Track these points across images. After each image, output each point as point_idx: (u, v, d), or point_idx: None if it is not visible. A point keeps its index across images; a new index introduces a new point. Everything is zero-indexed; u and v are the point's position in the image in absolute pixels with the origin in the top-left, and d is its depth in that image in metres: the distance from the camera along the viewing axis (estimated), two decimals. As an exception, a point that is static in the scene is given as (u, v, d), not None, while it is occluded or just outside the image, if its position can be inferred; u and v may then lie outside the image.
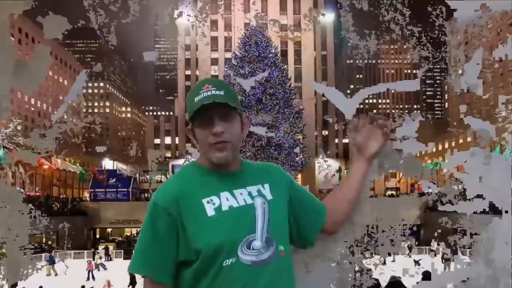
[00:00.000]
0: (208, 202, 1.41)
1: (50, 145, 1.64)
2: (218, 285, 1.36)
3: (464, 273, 1.70)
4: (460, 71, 1.61)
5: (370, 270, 1.70)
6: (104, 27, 1.59)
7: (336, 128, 68.55)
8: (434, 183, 1.78)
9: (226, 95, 1.43)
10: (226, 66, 52.23)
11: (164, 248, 1.39)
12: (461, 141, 67.63)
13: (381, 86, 1.63)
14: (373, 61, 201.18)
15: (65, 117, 1.76)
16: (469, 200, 1.67)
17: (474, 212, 1.69)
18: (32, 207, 1.56)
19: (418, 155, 1.71)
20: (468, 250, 1.82)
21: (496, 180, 1.66)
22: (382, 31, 1.61)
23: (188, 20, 2.04)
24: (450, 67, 1.61)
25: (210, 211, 1.39)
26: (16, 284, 18.66)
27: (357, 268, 1.70)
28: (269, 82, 43.80)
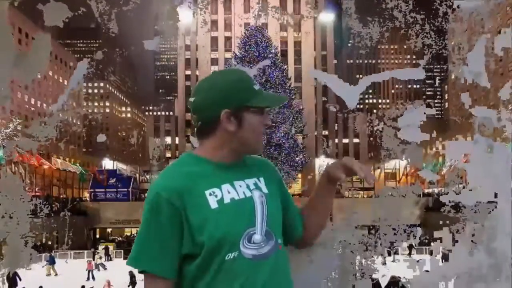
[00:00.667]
0: (210, 194, 1.38)
1: (51, 133, 1.63)
2: (220, 279, 1.34)
3: (466, 262, 1.69)
4: (462, 60, 1.60)
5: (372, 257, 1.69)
6: (104, 14, 1.58)
7: (336, 128, 68.54)
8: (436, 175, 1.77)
9: None
10: (226, 66, 52.22)
11: (167, 241, 1.36)
12: (461, 141, 67.43)
13: (385, 74, 1.62)
14: (373, 61, 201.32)
15: (65, 107, 1.75)
16: (469, 190, 1.66)
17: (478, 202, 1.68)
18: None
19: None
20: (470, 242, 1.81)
21: (498, 169, 1.65)
22: (385, 18, 1.59)
23: (189, 7, 2.03)
24: (453, 55, 1.60)
25: (213, 203, 1.37)
26: (16, 284, 18.61)
27: (358, 257, 1.69)
28: (269, 82, 43.85)
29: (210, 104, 1.42)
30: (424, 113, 1.66)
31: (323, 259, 1.67)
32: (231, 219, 1.37)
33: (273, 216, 1.45)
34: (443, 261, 2.25)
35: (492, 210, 1.66)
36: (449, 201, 1.65)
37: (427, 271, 1.81)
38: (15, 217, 1.57)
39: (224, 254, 1.34)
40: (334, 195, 1.61)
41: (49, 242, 34.15)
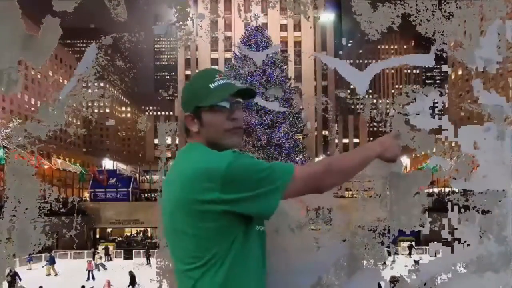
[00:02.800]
0: None
1: (60, 119, 1.62)
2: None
3: (475, 251, 1.68)
4: (473, 46, 1.58)
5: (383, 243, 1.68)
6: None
7: (336, 128, 68.48)
8: (446, 159, 1.75)
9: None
10: (226, 66, 52.20)
11: None
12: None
13: (394, 60, 1.62)
14: (373, 61, 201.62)
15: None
16: (483, 177, 1.65)
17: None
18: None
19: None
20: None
21: (508, 157, 1.64)
22: (396, 3, 1.59)
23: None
24: (464, 41, 1.59)
25: None
26: (15, 282, 18.59)
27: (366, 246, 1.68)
28: (269, 82, 43.79)
29: (182, 107, 1.54)
30: (434, 100, 1.65)
31: (331, 246, 1.66)
32: None
33: None
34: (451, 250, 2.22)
35: (503, 198, 1.65)
36: (453, 192, 1.64)
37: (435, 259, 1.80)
38: (24, 202, 1.56)
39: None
40: None
41: (49, 242, 34.11)
